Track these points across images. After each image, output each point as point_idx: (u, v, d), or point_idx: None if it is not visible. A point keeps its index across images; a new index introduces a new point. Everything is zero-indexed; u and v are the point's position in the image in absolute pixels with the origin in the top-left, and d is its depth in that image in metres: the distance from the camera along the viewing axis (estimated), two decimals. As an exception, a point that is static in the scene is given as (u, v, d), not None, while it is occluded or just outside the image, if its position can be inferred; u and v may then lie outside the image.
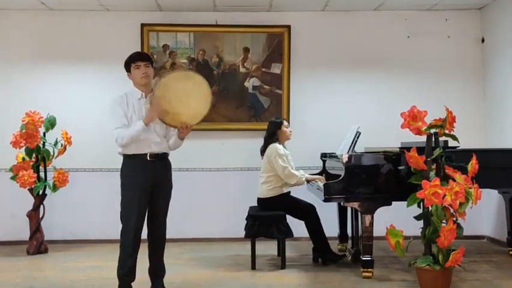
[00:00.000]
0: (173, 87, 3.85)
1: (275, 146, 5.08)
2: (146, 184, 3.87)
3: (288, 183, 5.08)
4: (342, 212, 5.68)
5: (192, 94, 3.89)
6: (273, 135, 5.18)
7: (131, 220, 3.83)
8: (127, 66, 3.97)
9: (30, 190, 5.67)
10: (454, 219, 3.99)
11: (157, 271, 4.04)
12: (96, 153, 6.14)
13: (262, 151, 5.20)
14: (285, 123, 5.28)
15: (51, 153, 5.80)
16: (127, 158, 3.94)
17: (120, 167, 3.98)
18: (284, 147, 5.20)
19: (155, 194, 3.93)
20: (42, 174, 5.77)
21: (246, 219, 5.07)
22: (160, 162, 3.96)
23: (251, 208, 5.21)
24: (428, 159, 4.10)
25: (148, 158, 3.89)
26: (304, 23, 6.39)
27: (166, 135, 4.03)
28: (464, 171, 4.10)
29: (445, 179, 4.05)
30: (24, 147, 5.67)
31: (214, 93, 6.18)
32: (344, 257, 5.10)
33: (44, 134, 5.76)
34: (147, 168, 3.88)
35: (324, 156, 5.80)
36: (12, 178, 5.64)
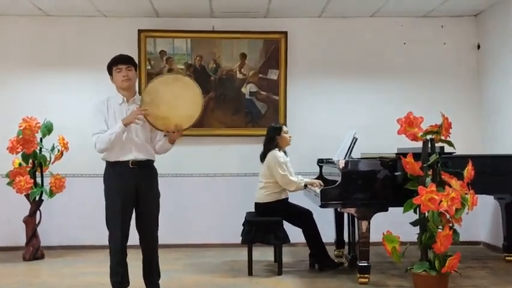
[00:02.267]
0: (162, 91, 3.78)
1: (275, 154, 5.07)
2: (129, 192, 3.81)
3: (288, 190, 5.08)
4: (338, 217, 5.68)
5: (181, 97, 3.82)
6: (272, 140, 5.17)
7: (116, 228, 3.80)
8: (109, 69, 3.93)
9: (27, 196, 5.66)
10: (450, 225, 4.00)
11: (151, 276, 4.01)
12: (93, 159, 6.00)
13: (262, 157, 5.19)
14: (285, 128, 5.26)
15: (48, 159, 5.79)
16: (109, 164, 3.90)
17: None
18: (285, 152, 5.21)
19: (141, 202, 3.87)
20: (39, 179, 5.76)
21: (243, 225, 5.07)
22: (143, 169, 3.88)
23: (248, 214, 5.20)
24: (424, 165, 4.12)
25: (130, 165, 3.83)
26: (301, 29, 6.41)
27: (152, 141, 3.96)
28: (460, 177, 4.11)
29: (441, 185, 4.06)
30: (20, 153, 5.66)
31: (211, 99, 6.28)
32: (341, 265, 5.09)
33: (41, 139, 5.76)
34: (129, 176, 3.81)
35: (320, 162, 5.80)
36: (9, 184, 5.63)
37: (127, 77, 3.87)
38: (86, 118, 5.99)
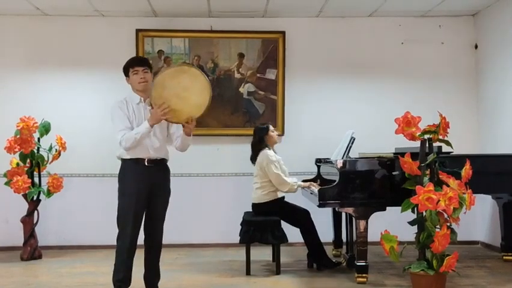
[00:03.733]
0: (169, 85, 3.76)
1: (266, 153, 5.07)
2: (143, 189, 3.85)
3: (280, 191, 5.08)
4: (336, 217, 5.69)
5: (189, 88, 3.80)
6: (262, 141, 5.17)
7: (127, 225, 3.82)
8: (126, 70, 3.96)
9: (25, 196, 5.65)
10: (448, 224, 4.00)
11: (152, 277, 4.03)
12: (90, 159, 6.13)
13: (253, 158, 5.20)
14: (271, 127, 5.27)
15: (46, 159, 5.78)
16: (124, 162, 3.93)
17: (116, 172, 3.96)
18: (274, 151, 5.20)
19: (153, 200, 3.91)
20: (36, 179, 5.75)
21: (241, 224, 5.07)
22: (158, 167, 3.93)
23: (246, 214, 5.20)
24: (422, 164, 4.12)
25: (146, 163, 3.87)
26: (299, 28, 6.41)
27: (169, 138, 4.00)
28: (457, 176, 4.11)
29: (439, 184, 4.06)
30: (18, 153, 5.65)
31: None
32: (339, 264, 5.10)
33: (39, 139, 5.75)
34: (145, 174, 3.86)
35: (318, 161, 5.80)
36: (7, 184, 5.62)
37: (144, 79, 3.91)
38: (84, 118, 6.13)
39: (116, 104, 3.93)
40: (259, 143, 5.17)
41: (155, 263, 4.04)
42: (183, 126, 3.89)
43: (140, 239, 3.95)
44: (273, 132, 5.23)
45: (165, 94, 3.76)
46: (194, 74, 3.83)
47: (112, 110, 3.93)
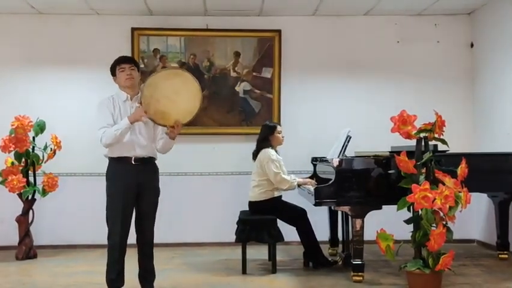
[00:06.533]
0: (162, 86, 3.79)
1: (268, 152, 5.07)
2: (130, 188, 3.84)
3: (280, 189, 5.08)
4: (332, 216, 5.69)
5: (181, 92, 3.82)
6: (266, 139, 5.17)
7: (116, 224, 3.82)
8: (113, 70, 3.97)
9: (20, 195, 5.63)
10: (444, 223, 4.01)
11: (146, 276, 4.02)
12: (86, 158, 6.09)
13: (255, 154, 5.19)
14: (279, 128, 5.26)
15: (41, 158, 5.75)
16: (111, 161, 3.93)
17: None
18: (276, 151, 5.20)
19: (141, 199, 3.90)
20: (31, 178, 5.72)
21: (237, 223, 5.06)
22: (146, 166, 3.92)
23: (242, 212, 5.20)
24: (418, 163, 4.12)
25: (133, 162, 3.86)
26: (295, 27, 6.40)
27: (154, 139, 3.99)
28: (453, 175, 4.11)
29: (435, 183, 4.07)
30: (13, 152, 5.63)
31: (205, 98, 6.23)
32: (335, 263, 5.10)
33: (34, 138, 5.73)
34: (132, 172, 3.85)
35: (314, 160, 5.80)
36: (1, 183, 5.59)
37: (131, 76, 3.92)
38: (79, 117, 6.10)
39: (102, 102, 3.94)
40: (264, 141, 5.17)
41: (149, 262, 4.02)
42: (168, 129, 3.86)
43: (133, 238, 3.94)
44: (279, 134, 5.22)
45: (156, 94, 3.78)
46: (187, 79, 3.87)
47: (97, 107, 3.94)
